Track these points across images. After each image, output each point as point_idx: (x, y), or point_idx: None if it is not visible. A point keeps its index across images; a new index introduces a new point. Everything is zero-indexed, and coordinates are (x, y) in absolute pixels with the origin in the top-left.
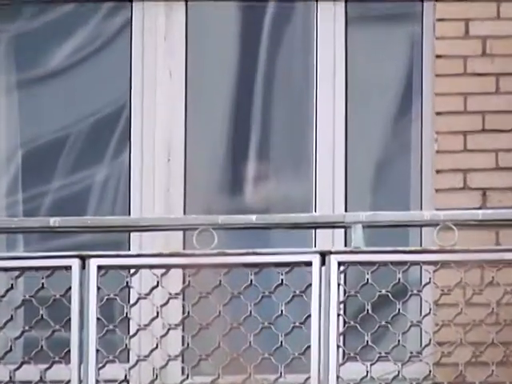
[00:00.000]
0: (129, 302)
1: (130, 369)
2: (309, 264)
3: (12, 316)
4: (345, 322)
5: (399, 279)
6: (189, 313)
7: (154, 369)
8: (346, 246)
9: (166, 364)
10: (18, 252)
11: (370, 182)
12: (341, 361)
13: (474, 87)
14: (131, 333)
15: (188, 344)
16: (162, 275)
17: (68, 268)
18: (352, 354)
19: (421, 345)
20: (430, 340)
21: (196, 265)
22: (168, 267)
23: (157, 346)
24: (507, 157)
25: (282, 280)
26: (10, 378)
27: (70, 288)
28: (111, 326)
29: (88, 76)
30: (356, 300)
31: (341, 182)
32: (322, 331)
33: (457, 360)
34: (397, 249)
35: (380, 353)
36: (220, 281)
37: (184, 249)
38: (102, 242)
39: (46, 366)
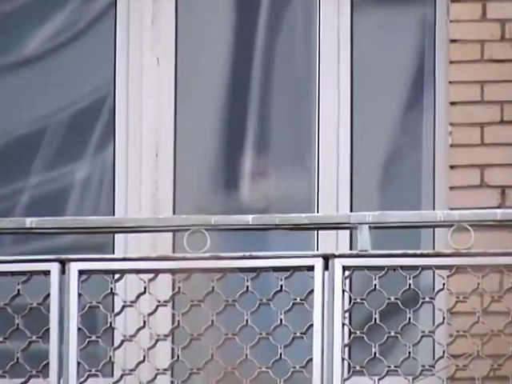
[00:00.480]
0: (113, 310)
1: None
2: (311, 268)
3: None
4: (350, 333)
5: (410, 285)
6: (179, 322)
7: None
8: (351, 248)
9: (154, 378)
10: None
11: (377, 178)
12: (346, 375)
13: (492, 75)
14: (115, 344)
15: (178, 356)
16: (150, 281)
17: (46, 273)
18: (358, 368)
19: (433, 357)
20: (444, 352)
21: (187, 269)
22: (156, 272)
23: (144, 359)
24: None
25: (281, 286)
26: None
27: (48, 295)
28: (94, 337)
29: (67, 63)
30: (362, 308)
31: (346, 178)
32: (326, 342)
33: (473, 374)
34: (407, 252)
35: (389, 366)
36: (213, 287)
37: (173, 252)
38: (83, 244)
39: (22, 380)
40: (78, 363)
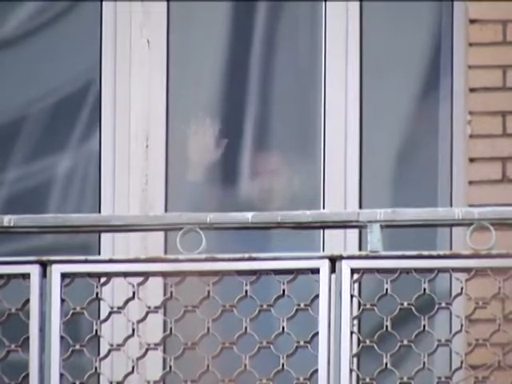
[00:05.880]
0: (99, 317)
1: None
2: (316, 271)
3: None
4: (359, 341)
5: (425, 290)
6: (171, 330)
7: None
8: (360, 249)
9: None
10: None
11: (389, 172)
12: None
13: None
14: (102, 354)
15: (170, 367)
16: (139, 285)
17: (26, 276)
18: (368, 380)
19: (450, 368)
20: (462, 362)
21: (180, 272)
22: (146, 275)
23: (132, 370)
24: None
25: (283, 290)
26: None
27: (28, 300)
28: (78, 346)
29: (49, 46)
30: (373, 314)
31: (354, 172)
32: (332, 352)
33: None
34: (422, 253)
35: (401, 378)
36: (209, 291)
37: (165, 253)
38: (66, 244)
39: None
40: (61, 375)
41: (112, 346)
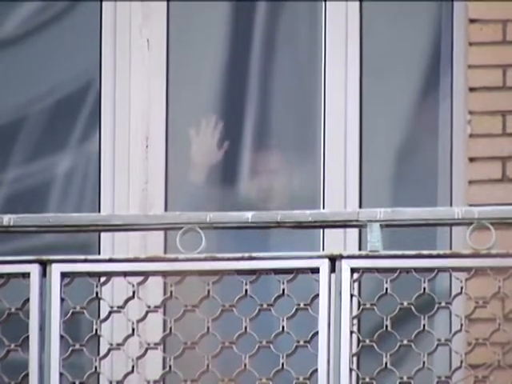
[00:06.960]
0: (99, 316)
1: None
2: (315, 271)
3: None
4: (359, 341)
5: (424, 289)
6: (171, 329)
7: None
8: (360, 249)
9: None
10: None
11: (389, 172)
12: None
13: None
14: (101, 353)
15: (170, 367)
16: (139, 284)
17: (26, 275)
18: (367, 379)
19: (450, 368)
20: (462, 362)
21: (180, 272)
22: (146, 275)
23: (132, 370)
24: None
25: (283, 290)
26: None
27: (28, 300)
28: (78, 346)
29: (49, 46)
30: (372, 314)
31: (354, 172)
32: (332, 351)
33: None
34: (422, 253)
35: (401, 378)
36: (209, 291)
37: (165, 253)
38: (66, 244)
39: None
40: (61, 374)
41: (112, 345)
